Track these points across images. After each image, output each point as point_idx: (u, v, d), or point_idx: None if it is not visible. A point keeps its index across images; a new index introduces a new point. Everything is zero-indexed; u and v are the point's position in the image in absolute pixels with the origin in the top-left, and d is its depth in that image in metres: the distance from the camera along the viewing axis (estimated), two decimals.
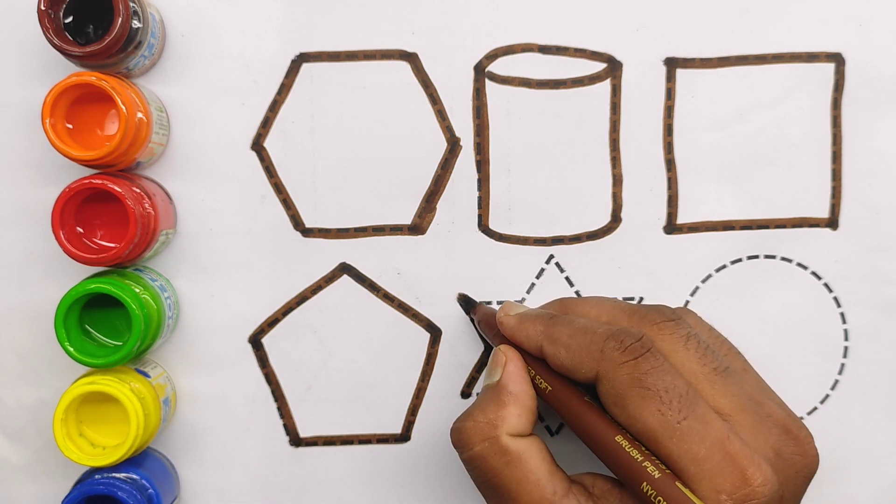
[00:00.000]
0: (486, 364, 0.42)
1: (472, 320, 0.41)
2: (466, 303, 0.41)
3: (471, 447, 0.33)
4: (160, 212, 0.38)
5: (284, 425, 0.41)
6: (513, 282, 0.41)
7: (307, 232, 0.41)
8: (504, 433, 0.33)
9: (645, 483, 0.29)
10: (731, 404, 0.32)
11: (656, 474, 0.29)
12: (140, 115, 0.36)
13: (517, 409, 0.34)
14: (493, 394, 0.34)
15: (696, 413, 0.30)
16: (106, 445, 0.37)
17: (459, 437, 0.34)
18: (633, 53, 0.41)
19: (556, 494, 0.32)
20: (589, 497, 0.32)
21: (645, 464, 0.30)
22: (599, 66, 0.41)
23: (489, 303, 0.41)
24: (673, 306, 0.36)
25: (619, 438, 0.31)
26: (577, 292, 0.41)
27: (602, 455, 0.31)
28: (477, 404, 0.34)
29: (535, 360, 0.35)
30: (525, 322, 0.35)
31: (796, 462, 0.32)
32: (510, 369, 0.35)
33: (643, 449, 0.30)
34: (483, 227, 0.41)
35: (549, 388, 0.34)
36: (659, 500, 0.29)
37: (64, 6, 0.36)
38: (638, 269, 0.42)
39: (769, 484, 0.29)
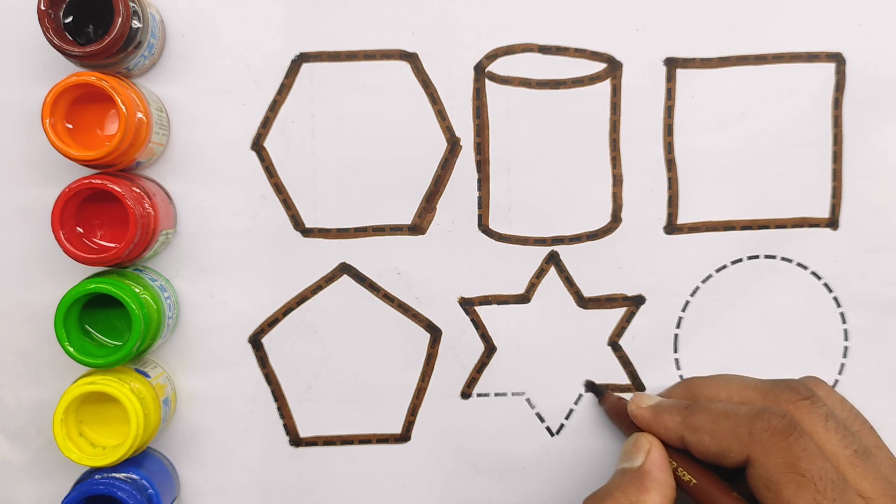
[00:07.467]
0: (486, 364, 0.41)
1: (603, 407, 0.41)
2: (593, 390, 0.41)
3: None
4: (160, 212, 0.38)
5: (284, 425, 0.41)
6: (513, 282, 0.41)
7: (307, 232, 0.41)
8: None
9: None
10: (873, 488, 0.32)
11: None
12: (140, 115, 0.36)
13: (659, 496, 0.33)
14: (634, 477, 0.34)
15: (846, 500, 0.30)
16: (106, 445, 0.37)
17: None
18: (633, 53, 0.41)
19: None
20: None
21: None
22: (599, 66, 0.41)
23: (488, 300, 0.41)
24: (798, 377, 0.37)
25: None
26: (577, 292, 0.41)
27: None
28: (616, 485, 0.34)
29: (676, 451, 0.35)
30: (661, 414, 0.36)
31: None
32: (654, 456, 0.35)
33: None
34: (483, 227, 0.41)
35: (694, 481, 0.34)
36: None
37: (64, 6, 0.36)
38: (638, 269, 0.41)
39: None
